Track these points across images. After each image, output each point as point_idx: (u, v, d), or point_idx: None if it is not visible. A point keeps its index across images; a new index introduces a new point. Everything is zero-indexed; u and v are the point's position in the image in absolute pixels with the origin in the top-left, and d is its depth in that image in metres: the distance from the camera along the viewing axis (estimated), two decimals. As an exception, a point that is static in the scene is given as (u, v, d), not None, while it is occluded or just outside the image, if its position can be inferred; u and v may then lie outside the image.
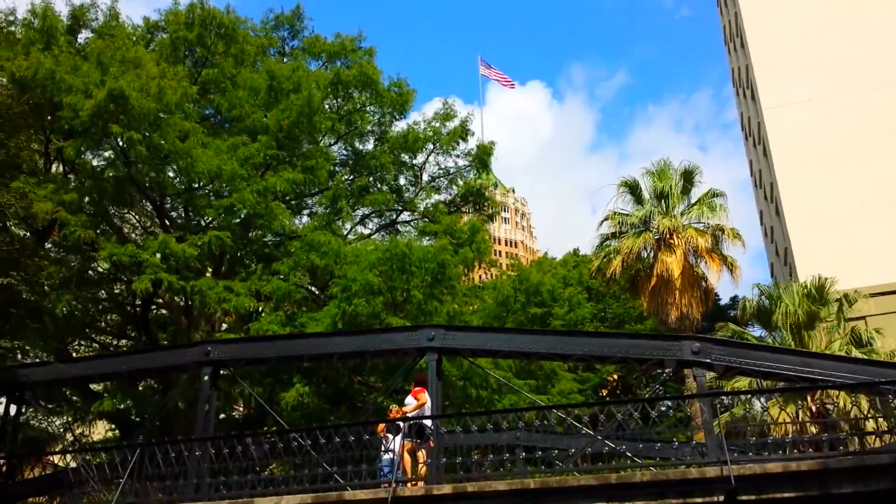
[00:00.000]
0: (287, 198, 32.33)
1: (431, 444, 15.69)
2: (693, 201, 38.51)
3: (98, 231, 26.90)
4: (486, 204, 37.35)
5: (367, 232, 35.91)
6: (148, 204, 30.93)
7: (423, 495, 14.45)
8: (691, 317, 35.73)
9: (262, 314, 26.97)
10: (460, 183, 36.60)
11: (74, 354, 30.04)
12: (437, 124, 34.95)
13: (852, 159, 40.51)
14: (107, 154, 29.03)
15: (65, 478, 18.17)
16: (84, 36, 30.90)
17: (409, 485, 15.27)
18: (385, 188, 34.73)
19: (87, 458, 19.22)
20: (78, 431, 31.29)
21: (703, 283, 37.53)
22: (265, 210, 27.21)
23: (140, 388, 29.51)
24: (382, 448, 15.94)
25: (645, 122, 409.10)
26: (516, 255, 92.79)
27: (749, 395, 17.19)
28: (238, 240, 27.73)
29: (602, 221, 39.85)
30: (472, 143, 36.11)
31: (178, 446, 16.37)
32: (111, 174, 27.65)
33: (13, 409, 19.06)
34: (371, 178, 34.05)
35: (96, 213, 27.78)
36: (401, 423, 16.03)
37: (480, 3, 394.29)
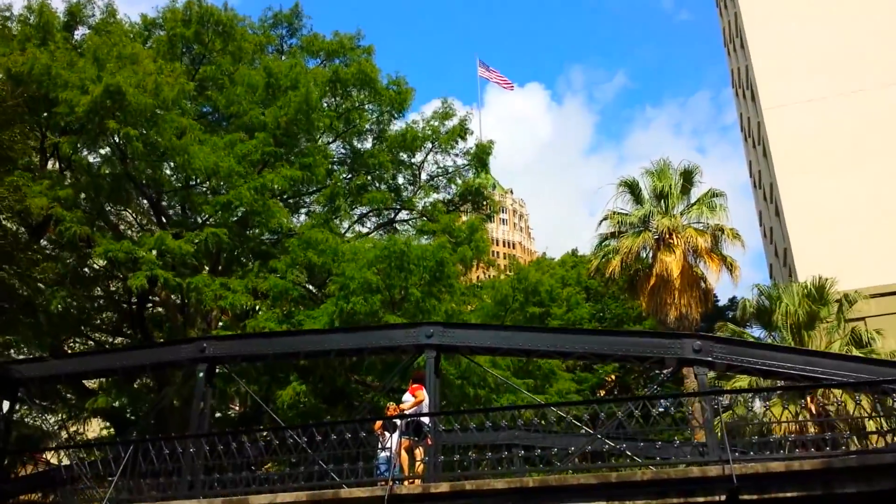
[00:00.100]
0: (285, 196, 32.18)
1: (429, 442, 15.49)
2: (693, 201, 38.30)
3: (94, 228, 26.69)
4: (484, 203, 37.23)
5: (365, 231, 35.77)
6: (144, 201, 30.75)
7: (421, 493, 14.26)
8: (690, 317, 35.51)
9: (259, 312, 26.76)
10: (459, 182, 36.50)
11: (69, 352, 29.81)
12: (436, 123, 34.84)
13: (853, 159, 40.40)
14: (103, 151, 28.82)
15: (58, 475, 17.96)
16: (80, 33, 30.76)
17: (406, 483, 15.07)
18: (383, 187, 34.58)
19: (81, 455, 18.99)
20: (73, 429, 31.04)
21: (703, 284, 37.32)
22: (262, 207, 27.03)
23: (135, 386, 29.35)
24: (379, 446, 15.73)
25: (643, 124, 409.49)
26: (514, 256, 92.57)
27: (751, 394, 16.95)
28: (235, 237, 27.55)
29: (601, 221, 39.66)
30: (470, 143, 36.08)
31: (172, 443, 16.15)
32: (107, 171, 27.41)
33: (6, 406, 18.80)
34: (369, 177, 33.90)
35: (92, 210, 27.56)
36: (398, 421, 15.84)
37: (479, 6, 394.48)
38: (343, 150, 35.51)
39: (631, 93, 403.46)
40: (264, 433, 18.08)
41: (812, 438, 14.26)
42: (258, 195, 26.81)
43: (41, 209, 24.19)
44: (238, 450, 15.59)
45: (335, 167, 33.98)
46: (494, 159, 36.32)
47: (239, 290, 25.38)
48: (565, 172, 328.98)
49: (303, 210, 34.95)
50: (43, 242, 28.23)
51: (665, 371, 22.75)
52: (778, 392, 18.09)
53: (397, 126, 34.81)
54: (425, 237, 32.35)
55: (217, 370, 20.93)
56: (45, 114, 27.02)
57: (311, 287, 30.30)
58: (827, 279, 29.95)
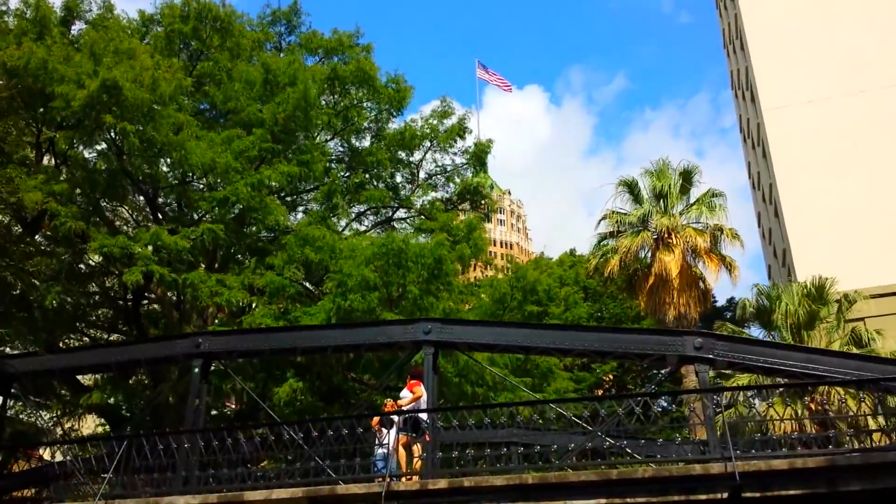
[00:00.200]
0: (282, 193, 32.00)
1: (427, 439, 15.31)
2: (692, 201, 38.17)
3: (89, 224, 26.47)
4: (483, 202, 37.09)
5: (362, 229, 35.58)
6: (140, 197, 30.54)
7: (419, 490, 14.08)
8: (689, 317, 35.37)
9: (256, 308, 26.54)
10: (457, 181, 36.35)
11: (63, 347, 29.57)
12: (435, 121, 34.69)
13: (853, 160, 40.30)
14: (99, 147, 28.62)
15: (51, 471, 17.79)
16: (77, 27, 30.53)
17: (403, 479, 14.89)
18: (381, 185, 34.42)
19: (75, 450, 18.79)
20: (67, 425, 30.81)
21: (702, 284, 37.18)
22: (259, 204, 26.83)
23: (130, 383, 29.13)
24: (376, 442, 15.55)
25: (642, 126, 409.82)
26: (512, 256, 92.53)
27: (753, 391, 16.80)
28: (232, 234, 27.33)
29: (600, 220, 39.53)
30: (469, 141, 35.93)
31: (167, 438, 15.96)
32: (103, 166, 27.20)
33: (-1, 400, 18.65)
34: (367, 175, 33.73)
35: (87, 206, 27.33)
36: (395, 417, 15.67)
37: (478, 7, 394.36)
38: (341, 148, 35.35)
39: (630, 95, 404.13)
40: (260, 429, 17.87)
41: (815, 437, 14.08)
42: (255, 192, 26.61)
43: (36, 203, 23.96)
44: (233, 446, 15.42)
45: (333, 165, 33.81)
46: (493, 158, 36.19)
47: (235, 286, 25.17)
48: (564, 174, 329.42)
49: (300, 208, 34.78)
50: (38, 238, 28.00)
51: (663, 371, 22.63)
52: (780, 390, 17.88)
53: (396, 124, 34.71)
54: (423, 236, 32.16)
55: (213, 367, 20.79)
56: (42, 109, 26.79)
57: (307, 285, 30.12)
58: (827, 279, 29.84)
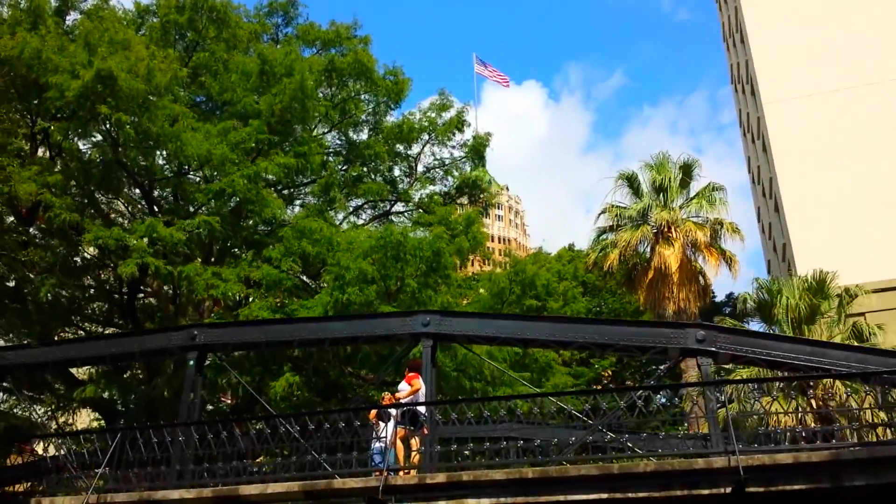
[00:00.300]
0: (279, 187, 31.76)
1: (425, 432, 15.07)
2: (692, 195, 37.93)
3: (84, 216, 26.20)
4: (481, 196, 36.88)
5: (360, 222, 35.36)
6: (136, 190, 30.30)
7: (417, 484, 13.86)
8: (689, 311, 35.14)
9: (252, 302, 26.28)
10: (455, 174, 36.14)
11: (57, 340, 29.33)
12: (433, 114, 34.47)
13: (854, 154, 40.05)
14: (94, 139, 28.35)
15: (44, 465, 17.56)
16: (72, 18, 30.29)
17: (401, 473, 14.65)
18: (379, 179, 34.20)
19: (67, 444, 18.55)
20: (62, 420, 30.55)
21: (701, 278, 36.98)
22: (256, 196, 26.57)
23: (125, 378, 28.87)
24: (374, 435, 15.31)
25: (640, 123, 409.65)
26: (511, 250, 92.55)
27: (756, 384, 16.56)
28: (228, 226, 27.08)
29: (599, 214, 39.31)
30: (467, 135, 35.71)
31: (161, 432, 15.71)
32: (98, 157, 26.93)
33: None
34: (365, 169, 33.50)
35: (82, 198, 27.08)
36: (393, 410, 15.43)
37: (476, 3, 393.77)
38: (339, 141, 35.11)
39: (628, 91, 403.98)
40: (256, 423, 17.66)
41: (820, 430, 13.85)
42: (251, 184, 26.34)
43: (30, 195, 23.71)
44: (229, 439, 15.18)
45: (330, 158, 33.55)
46: (491, 151, 36.23)
47: (231, 279, 24.91)
48: (561, 171, 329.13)
49: (297, 202, 34.51)
50: (32, 231, 27.74)
51: (662, 367, 22.38)
52: (784, 383, 17.65)
53: (394, 117, 34.47)
54: (421, 229, 31.93)
55: (209, 361, 20.55)
56: (36, 101, 26.54)
57: (304, 278, 29.88)
58: (828, 273, 29.62)
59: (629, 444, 15.05)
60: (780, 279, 34.11)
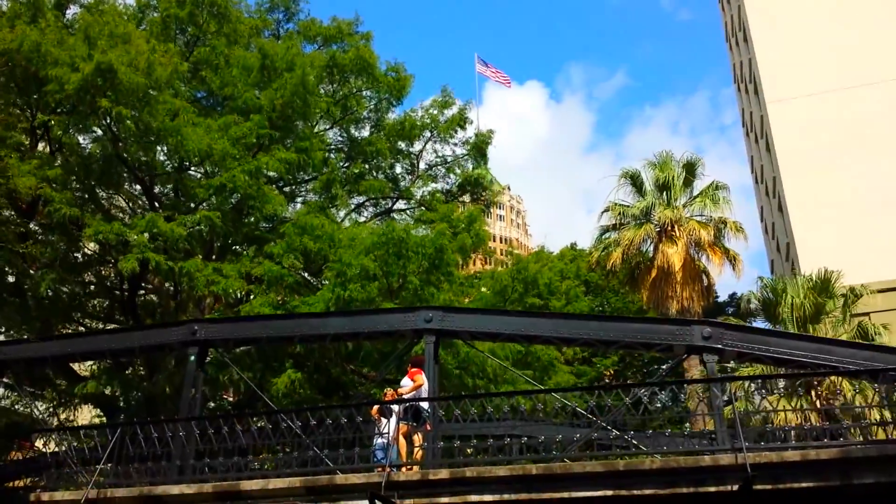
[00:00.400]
0: (280, 183, 31.59)
1: (428, 428, 14.90)
2: (695, 193, 37.72)
3: (84, 211, 26.02)
4: (483, 194, 36.71)
5: (361, 220, 35.19)
6: (136, 186, 30.11)
7: (419, 480, 13.69)
8: (692, 311, 34.94)
9: (253, 298, 26.11)
10: (457, 172, 36.01)
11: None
12: (435, 111, 34.36)
13: (858, 153, 39.89)
14: (95, 134, 28.19)
15: (44, 461, 17.43)
16: (72, 12, 30.08)
17: (404, 469, 14.48)
18: (381, 176, 34.05)
19: (67, 439, 18.40)
20: (63, 416, 30.39)
21: (705, 277, 36.77)
22: (257, 192, 26.40)
23: (127, 374, 28.71)
24: (376, 431, 15.13)
25: (642, 123, 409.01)
26: (513, 248, 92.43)
27: (762, 381, 16.39)
28: (229, 222, 26.91)
29: (602, 212, 39.06)
30: (470, 132, 35.56)
31: (161, 427, 15.55)
32: (98, 151, 26.77)
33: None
34: (366, 166, 33.34)
35: (83, 193, 26.91)
36: (395, 406, 15.25)
37: (478, 3, 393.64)
38: (340, 138, 34.96)
39: (630, 91, 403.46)
40: (257, 419, 17.51)
41: (829, 428, 13.68)
42: (253, 179, 26.18)
43: (29, 189, 23.51)
44: (230, 435, 15.03)
45: (332, 155, 33.37)
46: (493, 149, 35.86)
47: (232, 275, 24.75)
48: (563, 171, 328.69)
49: (299, 199, 34.37)
50: (32, 226, 27.56)
51: (664, 367, 22.23)
52: (793, 379, 17.47)
53: (395, 114, 34.33)
54: (423, 227, 31.77)
55: (210, 357, 20.38)
56: (36, 95, 26.37)
57: (306, 275, 29.71)
58: (832, 272, 29.44)
59: (634, 441, 14.84)
60: (785, 278, 33.92)
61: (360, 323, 17.78)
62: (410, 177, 35.59)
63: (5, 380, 25.22)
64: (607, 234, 39.02)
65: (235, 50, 29.59)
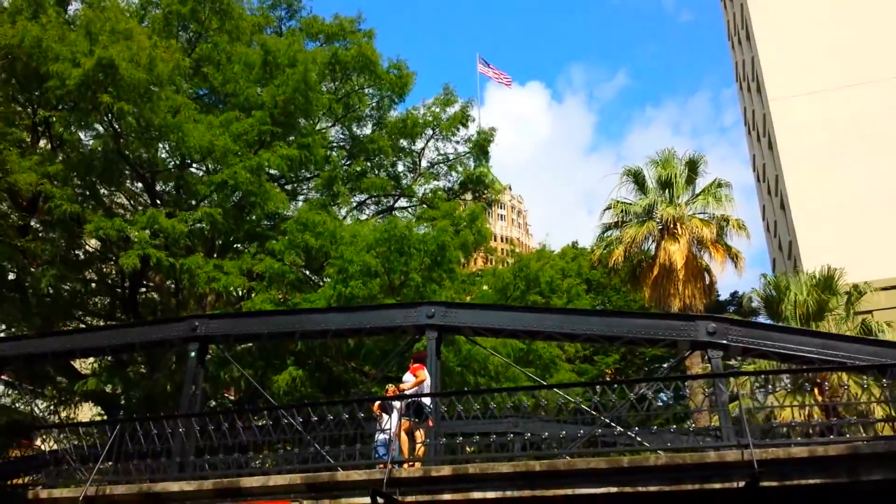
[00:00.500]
0: (282, 182, 31.47)
1: (430, 424, 14.76)
2: (698, 191, 37.61)
3: (85, 208, 25.90)
4: (485, 192, 36.57)
5: (363, 218, 35.04)
6: (138, 184, 30.00)
7: (422, 477, 13.56)
8: (694, 308, 34.81)
9: (255, 294, 25.98)
10: (459, 170, 35.86)
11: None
12: (437, 109, 34.18)
13: (861, 151, 39.74)
14: (96, 130, 28.06)
15: (43, 458, 17.31)
16: (74, 8, 29.93)
17: (406, 466, 14.33)
18: (383, 174, 33.90)
19: (66, 436, 18.28)
20: (63, 414, 30.27)
21: (707, 275, 36.67)
22: (258, 189, 26.27)
23: (128, 372, 28.60)
24: (378, 427, 14.99)
25: (643, 124, 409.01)
26: (514, 248, 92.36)
27: (769, 376, 16.25)
28: (230, 219, 26.78)
29: (604, 210, 38.98)
30: (472, 130, 35.42)
31: (161, 423, 15.42)
32: (99, 148, 26.64)
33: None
34: (368, 164, 33.22)
35: (84, 189, 26.80)
36: (397, 403, 15.11)
37: (480, 4, 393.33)
38: (342, 136, 34.81)
39: (631, 92, 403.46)
40: (258, 415, 17.38)
41: (836, 423, 13.53)
42: (254, 176, 26.05)
43: (30, 185, 23.40)
44: (230, 431, 14.90)
45: (334, 152, 33.24)
46: (496, 146, 35.74)
47: (233, 271, 24.62)
48: (564, 171, 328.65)
49: (300, 197, 34.23)
50: (33, 223, 27.45)
51: (665, 366, 22.08)
52: (800, 375, 17.34)
53: (397, 112, 34.19)
54: (424, 225, 31.64)
55: (211, 355, 20.25)
56: (37, 91, 26.25)
57: (307, 273, 29.58)
58: (836, 269, 29.32)
59: (638, 438, 14.69)
60: (788, 275, 33.78)
61: (362, 318, 17.64)
62: (412, 175, 35.45)
63: (5, 377, 25.10)
64: (609, 232, 38.96)
65: (237, 47, 29.46)
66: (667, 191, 37.20)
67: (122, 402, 28.15)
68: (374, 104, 33.77)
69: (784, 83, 44.02)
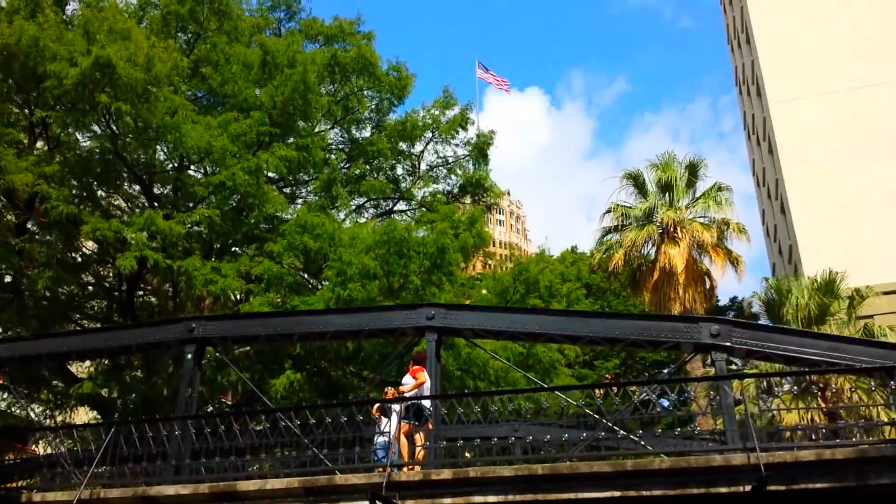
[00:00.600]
0: (281, 184, 31.27)
1: (430, 427, 14.54)
2: (698, 195, 37.47)
3: (82, 209, 25.69)
4: (484, 196, 36.38)
5: (362, 221, 34.84)
6: (136, 186, 29.81)
7: (421, 480, 13.32)
8: (695, 312, 34.58)
9: (253, 297, 25.76)
10: (459, 173, 35.66)
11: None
12: (437, 112, 33.98)
13: (861, 154, 39.65)
14: (94, 131, 27.87)
15: (35, 461, 17.07)
16: (72, 7, 29.75)
17: (405, 469, 14.11)
18: (382, 177, 33.71)
19: (62, 439, 18.03)
20: (59, 418, 30.01)
21: (707, 279, 36.49)
22: (257, 190, 26.07)
23: (124, 376, 28.38)
24: (377, 430, 14.76)
25: (642, 130, 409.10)
26: (513, 252, 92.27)
27: (775, 378, 16.04)
28: (228, 221, 26.58)
29: (604, 213, 38.81)
30: (471, 133, 35.24)
31: (157, 426, 15.19)
32: (97, 149, 26.44)
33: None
34: (367, 166, 33.01)
35: (81, 191, 26.60)
36: (396, 406, 14.89)
37: (479, 10, 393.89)
38: (341, 138, 34.65)
39: (630, 98, 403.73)
40: (255, 418, 17.13)
41: (843, 426, 13.32)
42: (252, 178, 25.85)
43: (26, 185, 23.18)
44: (227, 434, 14.67)
45: (332, 155, 33.05)
46: (495, 149, 35.53)
47: (230, 274, 24.40)
48: (563, 177, 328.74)
49: (299, 200, 34.03)
50: (29, 226, 27.24)
51: (665, 371, 21.86)
52: (806, 377, 17.12)
53: (397, 115, 34.01)
54: (423, 228, 31.45)
55: (208, 358, 20.02)
56: (34, 92, 26.07)
57: (306, 276, 29.38)
58: (837, 273, 29.15)
59: (642, 441, 14.47)
60: (790, 279, 33.62)
61: (361, 320, 17.39)
62: (411, 178, 35.24)
63: (0, 380, 24.87)
64: (609, 236, 38.78)
65: (236, 47, 29.28)
66: (667, 194, 37.04)
67: (119, 406, 27.91)
68: (373, 106, 33.59)
69: (784, 86, 43.94)
